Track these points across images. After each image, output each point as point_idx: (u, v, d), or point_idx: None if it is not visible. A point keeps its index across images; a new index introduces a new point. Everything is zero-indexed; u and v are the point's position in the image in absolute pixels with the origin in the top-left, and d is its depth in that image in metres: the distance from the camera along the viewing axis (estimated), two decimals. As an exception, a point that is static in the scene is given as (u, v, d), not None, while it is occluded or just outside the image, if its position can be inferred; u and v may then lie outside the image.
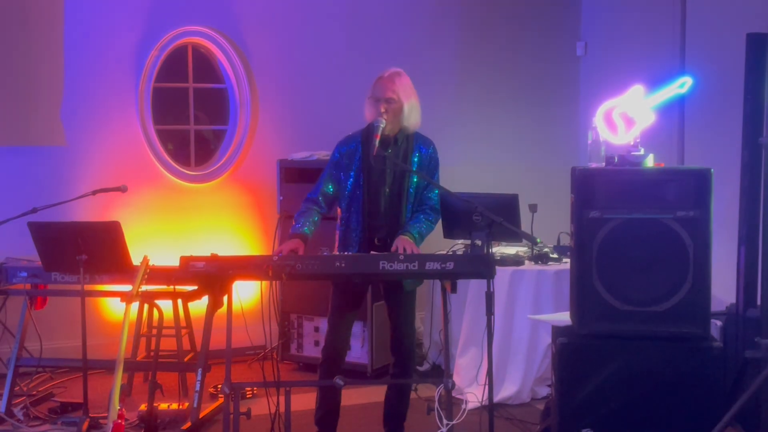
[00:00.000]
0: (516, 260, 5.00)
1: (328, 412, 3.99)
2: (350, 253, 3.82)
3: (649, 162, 3.65)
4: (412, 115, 3.87)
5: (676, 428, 3.52)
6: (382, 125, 3.78)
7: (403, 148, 3.89)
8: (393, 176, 3.87)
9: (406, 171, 3.85)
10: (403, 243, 3.71)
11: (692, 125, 5.64)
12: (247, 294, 3.95)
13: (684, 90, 3.99)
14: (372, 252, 3.78)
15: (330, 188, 3.92)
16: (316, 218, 3.88)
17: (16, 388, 4.72)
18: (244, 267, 3.55)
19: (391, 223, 3.88)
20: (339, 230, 3.95)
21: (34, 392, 4.94)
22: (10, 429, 4.46)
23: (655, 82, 4.02)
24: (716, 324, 4.22)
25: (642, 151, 3.66)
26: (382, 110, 3.80)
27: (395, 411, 4.09)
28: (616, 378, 3.54)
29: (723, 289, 4.32)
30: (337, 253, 3.87)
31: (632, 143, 3.71)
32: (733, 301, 4.31)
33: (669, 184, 3.53)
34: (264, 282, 3.64)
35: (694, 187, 3.51)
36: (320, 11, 6.24)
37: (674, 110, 5.53)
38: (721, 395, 3.57)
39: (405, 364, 4.02)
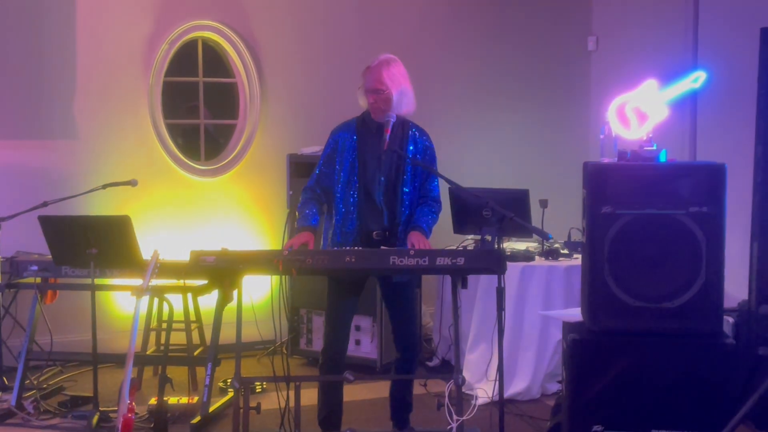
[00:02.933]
0: (526, 256, 4.98)
1: (331, 411, 3.96)
2: (345, 243, 3.79)
3: (663, 157, 3.62)
4: (403, 102, 3.83)
5: (687, 426, 3.50)
6: (393, 120, 3.77)
7: (398, 136, 3.86)
8: (388, 165, 3.85)
9: (416, 165, 3.84)
10: (416, 239, 3.70)
11: (704, 120, 5.61)
12: (256, 288, 3.94)
13: (698, 85, 3.95)
14: (381, 247, 3.77)
15: (326, 179, 3.89)
16: (317, 209, 3.86)
17: (27, 382, 4.74)
18: (254, 262, 3.54)
19: (386, 214, 3.85)
20: (335, 219, 3.88)
21: (45, 386, 4.96)
22: (20, 422, 4.48)
23: (667, 76, 3.99)
24: (728, 321, 4.19)
25: (655, 147, 3.63)
26: (371, 101, 3.79)
27: (401, 402, 4.08)
28: (628, 375, 3.52)
29: (735, 286, 4.29)
30: (330, 243, 3.85)
31: (645, 138, 3.68)
32: (746, 297, 4.28)
33: (682, 180, 3.50)
34: (274, 276, 3.63)
35: (708, 182, 3.48)
36: (330, 5, 6.23)
37: (686, 105, 5.50)
38: (734, 392, 3.55)
39: (408, 357, 3.99)
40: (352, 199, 3.83)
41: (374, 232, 3.84)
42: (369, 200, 3.85)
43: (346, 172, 3.83)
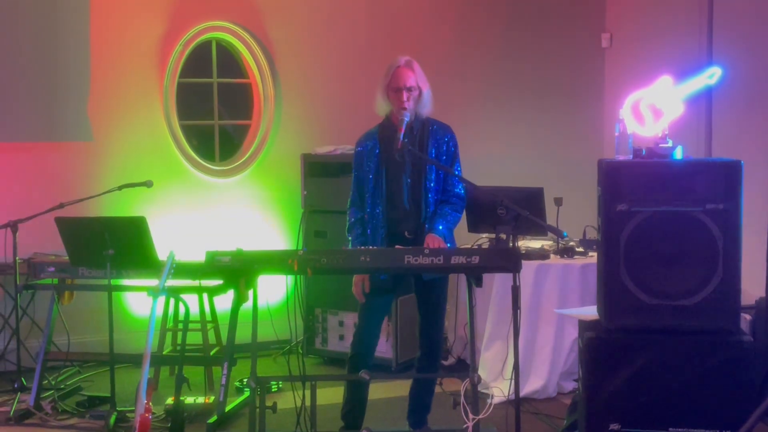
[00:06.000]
0: (541, 254, 4.97)
1: (355, 407, 3.98)
2: (376, 246, 3.81)
3: (678, 154, 3.60)
4: (428, 103, 3.88)
5: (704, 424, 3.48)
6: (407, 119, 3.77)
7: (419, 135, 3.88)
8: (412, 166, 3.86)
9: (430, 163, 3.84)
10: (432, 242, 3.71)
11: (720, 117, 5.57)
12: (272, 288, 3.96)
13: (713, 81, 3.93)
14: (397, 246, 3.77)
15: (361, 186, 3.94)
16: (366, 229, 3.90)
17: (45, 382, 4.77)
18: (270, 261, 3.55)
19: (414, 214, 3.87)
20: (366, 224, 3.92)
21: (62, 386, 4.99)
22: (38, 422, 4.51)
23: (682, 73, 3.97)
24: (746, 318, 4.17)
25: (670, 143, 3.61)
26: (405, 99, 3.79)
27: (420, 403, 4.09)
28: (644, 373, 3.50)
29: (752, 283, 4.26)
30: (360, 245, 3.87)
31: (660, 135, 3.66)
32: (763, 294, 4.26)
33: (698, 176, 3.47)
34: (289, 276, 3.64)
35: (724, 179, 3.45)
36: (343, 5, 6.23)
37: (701, 101, 5.47)
38: (751, 390, 3.52)
39: (432, 357, 4.01)
40: (380, 203, 3.86)
41: (405, 232, 3.87)
42: (397, 203, 3.88)
43: (373, 179, 3.87)
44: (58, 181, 5.54)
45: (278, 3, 6.10)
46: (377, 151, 3.88)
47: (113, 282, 4.39)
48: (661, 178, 3.50)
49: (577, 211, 5.25)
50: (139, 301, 5.62)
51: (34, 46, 5.50)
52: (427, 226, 3.84)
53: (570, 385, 4.88)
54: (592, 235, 4.86)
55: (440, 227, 3.80)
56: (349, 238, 3.94)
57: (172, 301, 5.06)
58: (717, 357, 3.47)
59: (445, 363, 5.47)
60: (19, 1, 5.44)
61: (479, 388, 3.74)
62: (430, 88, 3.91)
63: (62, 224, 4.44)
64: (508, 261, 3.50)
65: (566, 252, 5.01)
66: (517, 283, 3.52)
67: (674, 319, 3.49)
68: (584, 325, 3.74)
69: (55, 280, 4.79)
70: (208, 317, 5.12)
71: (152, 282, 3.95)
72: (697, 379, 3.47)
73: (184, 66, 5.95)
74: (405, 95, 3.80)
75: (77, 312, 5.26)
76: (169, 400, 4.44)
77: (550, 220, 4.88)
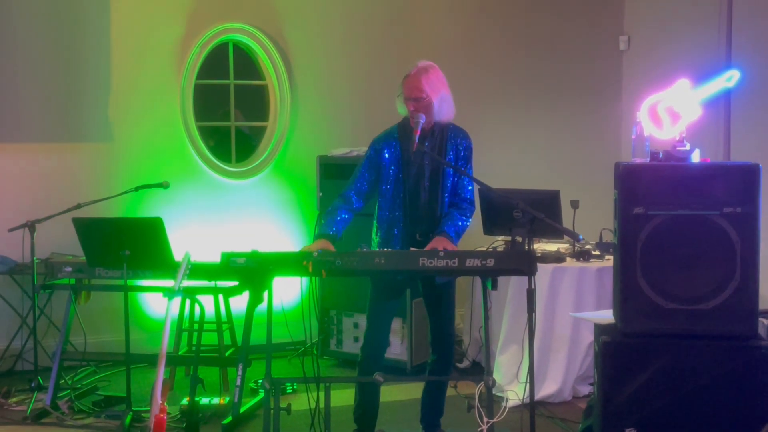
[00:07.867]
0: (557, 257, 4.95)
1: (367, 410, 3.99)
2: (392, 249, 3.81)
3: (695, 157, 3.57)
4: (443, 109, 3.85)
5: (721, 429, 3.45)
6: (422, 121, 3.77)
7: (438, 140, 3.87)
8: (431, 170, 3.86)
9: (447, 166, 3.84)
10: (439, 243, 3.69)
11: (738, 119, 5.53)
12: (287, 289, 3.96)
13: (731, 84, 3.90)
14: (412, 248, 3.77)
15: (365, 186, 3.91)
16: (345, 216, 3.84)
17: (61, 382, 4.80)
18: (285, 263, 3.56)
19: (429, 217, 3.87)
20: (380, 227, 3.93)
21: (79, 386, 5.02)
22: (55, 422, 4.54)
23: (701, 76, 3.94)
24: (764, 323, 4.13)
25: (688, 146, 3.59)
26: (411, 109, 3.79)
27: (433, 406, 4.09)
28: (660, 377, 3.48)
29: (771, 288, 4.22)
30: (378, 249, 3.87)
31: (678, 138, 3.64)
32: (782, 299, 4.22)
33: (716, 180, 3.45)
34: (304, 278, 3.65)
35: (742, 182, 3.43)
36: (359, 7, 6.24)
37: (720, 104, 5.43)
38: (769, 396, 3.49)
39: (444, 360, 4.01)
40: (399, 205, 3.85)
41: (417, 234, 3.86)
42: (413, 206, 3.87)
43: (393, 180, 3.86)
44: (75, 182, 5.57)
45: (295, 5, 6.12)
46: (399, 154, 3.87)
47: (129, 282, 4.42)
48: (678, 181, 3.48)
49: (593, 214, 5.23)
50: (155, 301, 5.65)
51: (55, 48, 5.55)
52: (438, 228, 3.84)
53: (585, 389, 4.86)
54: (609, 238, 4.83)
55: (450, 231, 3.79)
56: (323, 221, 3.82)
57: (187, 301, 5.08)
58: (734, 362, 3.45)
59: (460, 366, 5.47)
60: (40, 4, 5.49)
61: (494, 392, 3.73)
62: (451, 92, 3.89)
63: (79, 225, 4.46)
64: (524, 264, 3.48)
65: (582, 255, 4.99)
66: (533, 286, 3.50)
67: (691, 324, 3.47)
68: (600, 329, 3.72)
69: (72, 280, 4.82)
70: (224, 318, 5.13)
71: (168, 283, 3.97)
72: (713, 384, 3.45)
73: (202, 67, 5.98)
74: (411, 105, 3.80)
75: (94, 312, 5.29)
76: (184, 401, 4.46)
77: (566, 222, 4.86)
